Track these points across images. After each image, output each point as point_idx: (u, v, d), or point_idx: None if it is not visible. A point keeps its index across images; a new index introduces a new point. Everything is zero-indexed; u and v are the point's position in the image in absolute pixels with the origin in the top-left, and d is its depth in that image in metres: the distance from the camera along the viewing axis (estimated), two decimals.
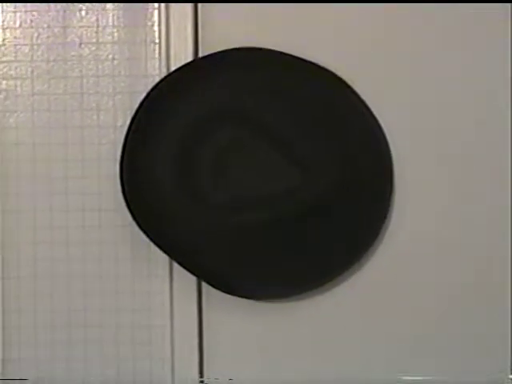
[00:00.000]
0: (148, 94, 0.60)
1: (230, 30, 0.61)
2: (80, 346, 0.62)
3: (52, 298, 0.62)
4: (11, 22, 0.62)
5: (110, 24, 0.62)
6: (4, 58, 0.62)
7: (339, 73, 0.61)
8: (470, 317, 0.61)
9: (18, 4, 0.62)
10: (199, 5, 0.62)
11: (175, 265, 0.61)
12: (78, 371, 0.62)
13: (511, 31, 0.61)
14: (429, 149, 0.61)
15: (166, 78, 0.61)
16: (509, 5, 0.60)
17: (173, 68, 0.61)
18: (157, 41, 0.62)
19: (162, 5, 0.61)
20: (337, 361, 0.61)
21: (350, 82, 0.61)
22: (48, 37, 0.62)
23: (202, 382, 0.62)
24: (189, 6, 0.61)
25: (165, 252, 0.60)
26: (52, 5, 0.62)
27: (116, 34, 0.62)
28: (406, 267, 0.61)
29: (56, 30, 0.62)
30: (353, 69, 0.61)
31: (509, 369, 0.60)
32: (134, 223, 0.60)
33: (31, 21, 0.62)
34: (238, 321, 0.62)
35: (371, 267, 0.61)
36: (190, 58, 0.61)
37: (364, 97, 0.61)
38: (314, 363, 0.61)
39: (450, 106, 0.61)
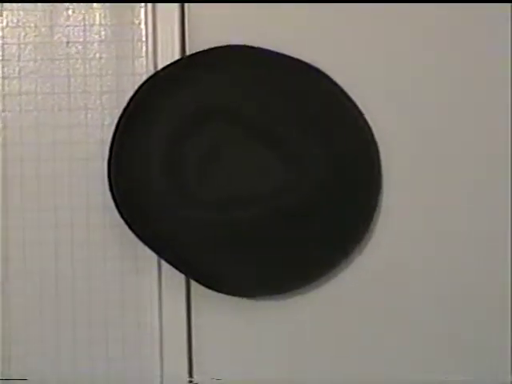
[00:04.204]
0: (135, 93, 0.60)
1: (217, 27, 0.61)
2: (69, 344, 0.62)
3: (41, 297, 0.62)
4: None
5: (97, 23, 0.62)
6: None
7: (329, 71, 0.61)
8: (469, 317, 0.61)
9: (4, 3, 0.62)
10: (186, 2, 0.62)
11: (164, 263, 0.61)
12: (67, 370, 0.62)
13: (511, 31, 0.61)
14: (419, 150, 0.61)
15: (153, 76, 0.61)
16: (509, 5, 0.61)
17: (160, 66, 0.61)
18: (144, 39, 0.62)
19: (149, 3, 0.61)
20: (326, 359, 0.61)
21: (339, 81, 0.61)
22: (35, 36, 0.62)
23: (191, 382, 0.62)
24: (176, 4, 0.62)
25: (153, 250, 0.60)
26: (39, 4, 0.62)
27: (103, 33, 0.62)
28: (394, 267, 0.61)
29: (43, 29, 0.62)
30: (342, 67, 0.61)
31: (509, 369, 0.60)
32: (122, 222, 0.59)
33: (18, 20, 0.62)
34: (227, 319, 0.62)
35: (360, 265, 0.61)
36: (177, 57, 0.61)
37: (354, 96, 0.61)
38: (303, 362, 0.61)
39: (447, 107, 0.61)
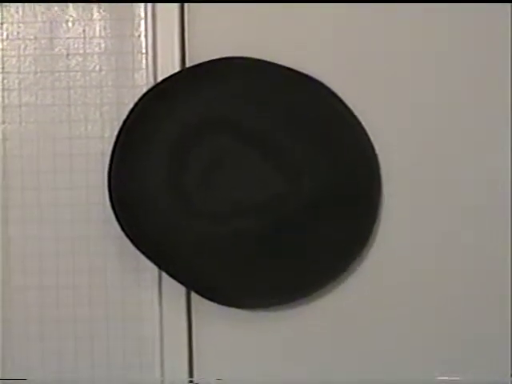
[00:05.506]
0: (135, 105, 0.60)
1: (217, 39, 0.62)
2: (70, 356, 0.62)
3: (42, 308, 0.62)
4: None
5: (97, 35, 0.62)
6: None
7: (329, 82, 0.61)
8: (470, 318, 0.61)
9: (4, 15, 0.62)
10: (186, 15, 0.62)
11: (164, 275, 0.61)
12: (69, 382, 0.62)
13: (511, 31, 0.61)
14: (418, 154, 0.61)
15: (153, 88, 0.61)
16: (509, 5, 0.61)
17: (160, 78, 0.61)
18: (144, 51, 0.62)
19: (149, 15, 0.62)
20: (325, 368, 0.61)
21: (339, 92, 0.61)
22: (35, 48, 0.62)
23: (191, 381, 0.62)
24: (175, 16, 0.62)
25: (154, 262, 0.60)
26: (39, 16, 0.62)
27: (103, 45, 0.62)
28: (397, 272, 0.61)
29: (43, 41, 0.62)
30: (342, 78, 0.61)
31: (509, 369, 0.60)
32: (122, 234, 0.60)
33: (18, 33, 0.62)
34: (227, 330, 0.62)
35: (360, 275, 0.61)
36: (177, 69, 0.61)
37: (354, 108, 0.61)
38: (301, 369, 0.61)
39: (446, 109, 0.61)
